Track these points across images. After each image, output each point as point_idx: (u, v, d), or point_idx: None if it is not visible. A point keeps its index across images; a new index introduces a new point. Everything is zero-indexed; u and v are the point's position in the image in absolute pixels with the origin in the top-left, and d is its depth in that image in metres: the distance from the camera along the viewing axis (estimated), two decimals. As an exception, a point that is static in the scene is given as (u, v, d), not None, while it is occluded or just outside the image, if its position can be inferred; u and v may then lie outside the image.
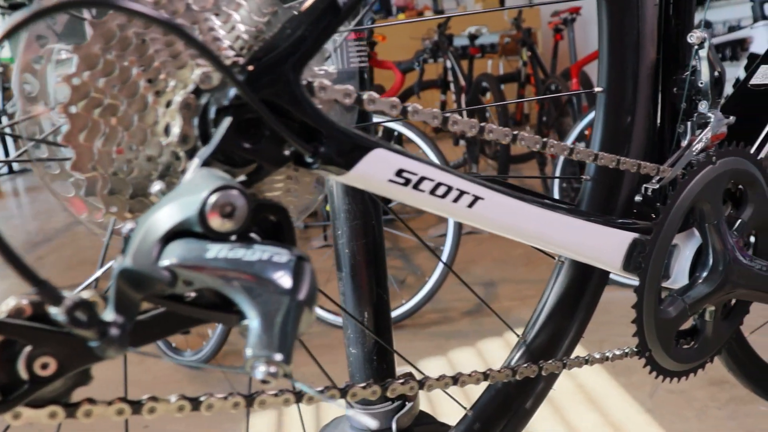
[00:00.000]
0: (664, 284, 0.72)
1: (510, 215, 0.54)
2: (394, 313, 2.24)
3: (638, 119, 0.70)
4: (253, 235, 0.39)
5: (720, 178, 0.68)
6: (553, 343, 0.73)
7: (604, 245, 0.64)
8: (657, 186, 0.68)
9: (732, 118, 0.71)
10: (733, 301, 0.78)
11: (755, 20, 2.57)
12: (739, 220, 0.73)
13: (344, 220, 0.76)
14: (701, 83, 0.70)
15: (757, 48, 2.68)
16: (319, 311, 2.29)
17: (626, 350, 0.70)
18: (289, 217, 0.41)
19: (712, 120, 0.69)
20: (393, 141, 3.35)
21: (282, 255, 0.36)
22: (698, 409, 1.62)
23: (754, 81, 0.85)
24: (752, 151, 0.79)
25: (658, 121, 0.74)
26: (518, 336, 0.76)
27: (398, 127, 2.18)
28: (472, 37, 4.01)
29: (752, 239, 0.79)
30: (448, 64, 3.98)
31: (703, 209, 0.69)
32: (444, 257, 2.09)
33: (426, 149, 2.19)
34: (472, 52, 4.00)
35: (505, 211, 0.53)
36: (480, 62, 5.83)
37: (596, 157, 0.63)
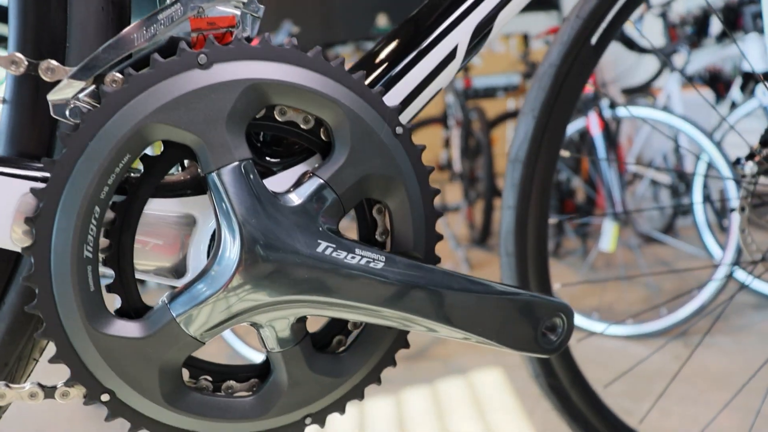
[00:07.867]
0: (177, 282, 0.44)
1: None
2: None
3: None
4: None
5: (218, 93, 0.40)
6: None
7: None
8: (59, 99, 0.40)
9: None
10: (360, 319, 0.48)
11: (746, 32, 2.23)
12: (314, 179, 0.44)
13: None
14: None
15: (748, 66, 2.32)
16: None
17: (58, 386, 0.41)
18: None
19: None
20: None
21: None
22: None
23: None
24: (415, 54, 0.49)
25: None
26: None
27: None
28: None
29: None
30: (450, 99, 3.84)
31: (200, 151, 0.41)
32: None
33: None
34: (466, 84, 3.78)
35: None
36: (501, 102, 5.61)
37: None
